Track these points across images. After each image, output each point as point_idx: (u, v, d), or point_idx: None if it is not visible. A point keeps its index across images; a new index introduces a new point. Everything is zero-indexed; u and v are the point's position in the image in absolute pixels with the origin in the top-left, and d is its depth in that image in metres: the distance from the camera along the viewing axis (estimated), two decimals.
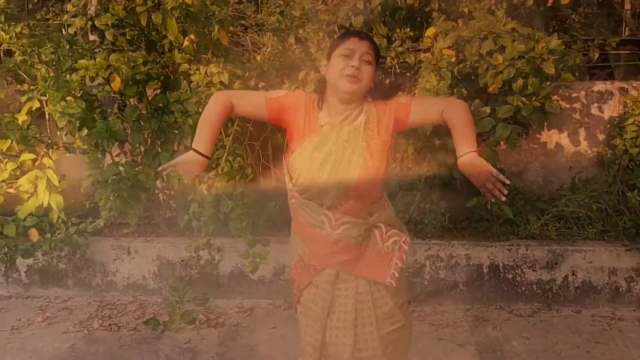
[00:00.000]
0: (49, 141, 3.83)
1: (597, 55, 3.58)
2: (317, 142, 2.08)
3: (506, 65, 3.11)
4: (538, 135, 4.47)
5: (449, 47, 3.43)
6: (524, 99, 3.22)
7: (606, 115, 4.39)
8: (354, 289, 2.16)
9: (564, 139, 4.47)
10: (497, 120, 3.44)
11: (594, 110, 4.41)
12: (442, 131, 3.86)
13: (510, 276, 3.95)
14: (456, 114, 2.08)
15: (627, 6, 9.29)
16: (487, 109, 3.47)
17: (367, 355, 2.18)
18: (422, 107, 2.16)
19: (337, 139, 2.08)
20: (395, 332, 2.23)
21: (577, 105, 4.42)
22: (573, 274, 3.91)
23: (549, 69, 3.06)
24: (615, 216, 4.10)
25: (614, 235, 4.06)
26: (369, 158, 2.08)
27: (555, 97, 4.27)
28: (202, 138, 2.13)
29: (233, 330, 3.64)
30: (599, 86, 4.40)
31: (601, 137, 4.41)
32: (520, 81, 3.14)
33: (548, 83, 3.85)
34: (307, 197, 2.12)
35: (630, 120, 4.10)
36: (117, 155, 4.26)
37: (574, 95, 4.40)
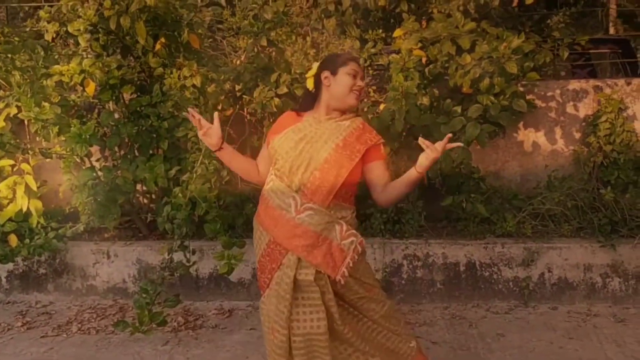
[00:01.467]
0: (28, 147, 3.85)
1: (566, 54, 3.63)
2: (298, 127, 2.38)
3: (473, 65, 3.16)
4: (515, 134, 4.52)
5: (420, 48, 3.47)
6: (492, 98, 3.27)
7: (581, 113, 4.43)
8: (313, 274, 2.30)
9: (540, 137, 4.51)
10: (469, 119, 3.48)
11: (569, 108, 4.45)
12: (417, 131, 3.90)
13: (487, 274, 3.99)
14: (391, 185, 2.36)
15: (613, 5, 9.38)
16: (459, 109, 3.51)
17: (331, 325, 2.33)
18: (381, 167, 2.40)
19: (318, 127, 2.36)
20: (360, 300, 2.42)
21: (552, 104, 4.46)
22: (549, 271, 3.95)
23: (512, 67, 3.11)
24: (590, 213, 4.14)
25: (589, 232, 4.10)
26: (340, 147, 2.32)
27: (530, 96, 4.34)
28: (234, 151, 2.53)
29: (211, 332, 3.67)
30: (574, 85, 4.44)
31: (577, 135, 4.45)
32: (487, 80, 3.19)
33: (523, 82, 3.91)
34: (280, 175, 2.35)
35: (604, 118, 4.15)
36: (98, 160, 4.30)
37: (549, 94, 4.44)
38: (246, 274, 4.08)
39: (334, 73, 2.36)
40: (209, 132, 2.39)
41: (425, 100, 3.60)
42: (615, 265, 3.91)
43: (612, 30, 9.93)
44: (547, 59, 3.45)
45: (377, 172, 2.40)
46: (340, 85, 2.35)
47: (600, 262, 3.92)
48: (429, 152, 2.20)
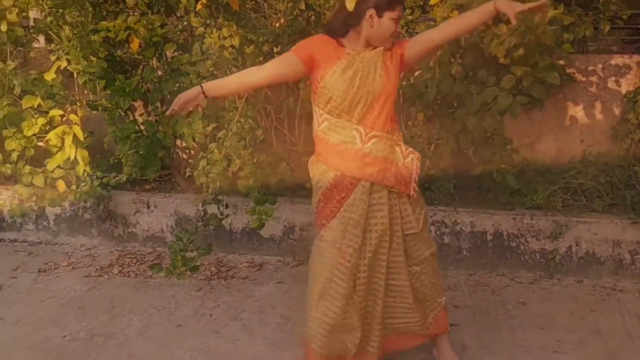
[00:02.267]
0: (76, 98, 4.07)
1: (607, 28, 3.57)
2: (346, 64, 2.41)
3: (508, 35, 3.16)
4: (552, 108, 4.47)
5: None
6: (526, 69, 3.27)
7: (623, 89, 4.35)
8: (386, 197, 2.48)
9: (578, 112, 4.45)
10: (502, 90, 3.49)
11: (610, 84, 4.37)
12: (451, 100, 3.93)
13: (514, 244, 4.03)
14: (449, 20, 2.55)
15: None
16: (493, 79, 3.52)
17: (393, 248, 2.54)
18: (416, 40, 2.53)
19: (362, 59, 2.42)
20: (412, 237, 2.59)
21: (593, 79, 4.39)
22: (577, 245, 3.96)
23: (546, 39, 3.10)
24: (624, 190, 4.11)
25: (622, 208, 4.07)
26: (387, 74, 2.45)
27: (571, 70, 4.30)
28: (214, 82, 2.64)
29: (241, 283, 3.85)
30: (617, 60, 4.35)
31: (617, 111, 4.38)
32: (520, 51, 3.19)
33: (563, 55, 3.87)
34: (338, 113, 2.45)
35: None
36: (141, 115, 4.50)
37: (590, 68, 4.37)
38: (277, 230, 4.24)
39: (379, 15, 2.37)
40: (190, 102, 2.51)
41: (459, 69, 3.62)
42: None
43: None
44: (588, 32, 3.41)
45: (417, 39, 2.52)
46: (382, 29, 2.40)
47: (630, 239, 3.90)
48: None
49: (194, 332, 3.18)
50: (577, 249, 3.97)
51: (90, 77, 3.58)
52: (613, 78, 4.37)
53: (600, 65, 4.37)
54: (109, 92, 3.72)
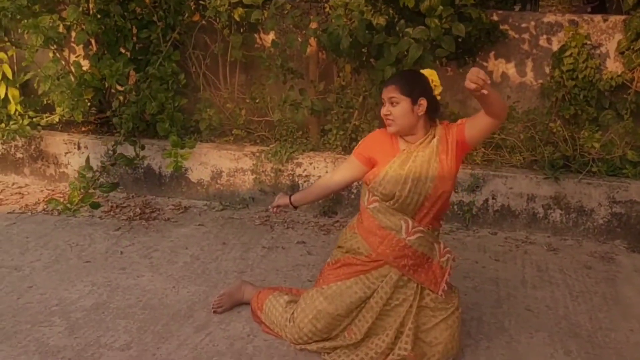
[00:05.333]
0: (3, 36, 4.06)
1: None
2: (400, 162, 2.41)
3: None
4: (485, 64, 4.52)
5: None
6: (436, 21, 3.30)
7: (554, 47, 4.38)
8: (412, 294, 2.47)
9: (510, 69, 4.50)
10: (417, 41, 3.53)
11: (542, 41, 4.41)
12: (373, 51, 3.96)
13: None
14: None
15: None
16: (411, 30, 3.55)
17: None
18: (472, 120, 2.43)
19: (416, 159, 2.41)
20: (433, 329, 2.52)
21: (526, 36, 4.43)
22: (493, 198, 4.08)
23: None
24: (542, 146, 4.21)
25: (542, 164, 4.18)
26: (440, 173, 2.41)
27: (505, 27, 4.33)
28: (300, 193, 2.79)
29: (162, 224, 3.95)
30: (549, 17, 4.38)
31: (547, 69, 4.43)
32: (427, 2, 3.21)
33: (498, 10, 3.87)
34: (390, 205, 2.44)
35: (568, 53, 4.14)
36: (77, 56, 4.52)
37: (523, 25, 4.40)
38: (205, 175, 4.32)
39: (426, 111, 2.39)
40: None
41: (381, 20, 3.65)
42: (558, 197, 4.02)
43: None
44: None
45: (472, 121, 2.40)
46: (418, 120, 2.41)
47: (544, 194, 4.03)
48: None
49: (100, 268, 3.29)
50: (493, 202, 4.09)
51: (4, 12, 3.56)
52: (545, 36, 4.40)
53: (533, 23, 4.39)
54: (29, 30, 3.72)
